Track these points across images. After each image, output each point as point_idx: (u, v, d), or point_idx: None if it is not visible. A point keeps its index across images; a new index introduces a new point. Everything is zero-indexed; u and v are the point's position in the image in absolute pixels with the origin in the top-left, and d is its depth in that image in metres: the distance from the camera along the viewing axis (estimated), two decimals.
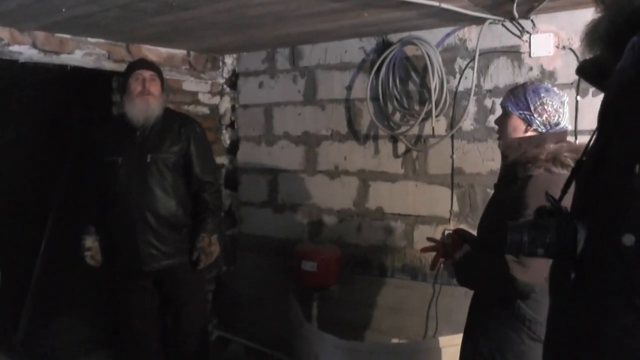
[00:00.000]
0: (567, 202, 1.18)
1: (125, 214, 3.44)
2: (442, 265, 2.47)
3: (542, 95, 2.19)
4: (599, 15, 1.08)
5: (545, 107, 2.17)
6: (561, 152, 2.09)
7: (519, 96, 2.21)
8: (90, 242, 3.56)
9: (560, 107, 2.20)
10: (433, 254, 2.51)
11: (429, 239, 2.58)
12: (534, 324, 2.07)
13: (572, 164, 2.01)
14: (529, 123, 2.20)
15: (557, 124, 2.20)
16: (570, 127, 2.28)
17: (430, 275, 3.71)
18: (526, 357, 2.08)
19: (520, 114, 2.20)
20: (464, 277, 2.31)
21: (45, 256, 5.02)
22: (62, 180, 5.25)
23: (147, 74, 3.46)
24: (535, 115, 2.18)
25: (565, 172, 2.00)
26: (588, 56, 1.13)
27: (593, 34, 1.09)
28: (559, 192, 1.26)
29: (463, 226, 3.59)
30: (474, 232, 2.57)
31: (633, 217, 0.91)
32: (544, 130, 2.19)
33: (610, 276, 0.96)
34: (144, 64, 3.57)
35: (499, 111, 2.41)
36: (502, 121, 2.29)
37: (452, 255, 2.33)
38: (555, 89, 2.25)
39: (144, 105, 3.42)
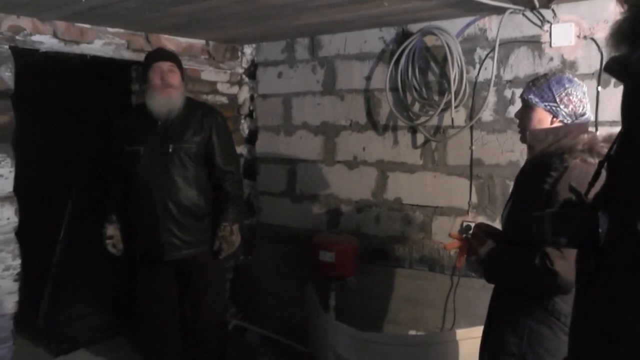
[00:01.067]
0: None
1: (147, 203, 3.46)
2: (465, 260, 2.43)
3: (567, 85, 2.15)
4: (625, 15, 1.09)
5: (571, 97, 2.14)
6: (597, 142, 2.05)
7: (543, 88, 2.17)
8: (112, 230, 3.60)
9: (583, 97, 2.17)
10: (456, 249, 2.47)
11: (452, 236, 2.52)
12: (570, 318, 1.99)
13: None
14: (555, 115, 2.16)
15: (583, 114, 2.17)
16: (592, 117, 2.24)
17: (448, 267, 3.71)
18: (560, 352, 2.01)
19: (546, 105, 2.16)
20: (492, 273, 2.27)
21: (64, 243, 5.08)
22: (82, 168, 5.30)
23: (165, 65, 3.45)
24: (562, 107, 2.14)
25: None
26: (615, 54, 1.14)
27: (619, 34, 1.09)
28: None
29: (481, 218, 3.58)
30: (492, 224, 2.55)
31: None
32: (569, 121, 2.16)
33: (626, 263, 0.97)
34: (161, 55, 3.55)
35: (519, 102, 2.37)
36: (525, 114, 2.24)
37: (476, 250, 2.29)
38: (576, 79, 2.22)
39: (166, 97, 3.41)
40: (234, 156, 3.76)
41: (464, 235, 2.45)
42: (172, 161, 3.43)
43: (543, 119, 2.19)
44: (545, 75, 2.25)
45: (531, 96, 2.20)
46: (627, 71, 1.05)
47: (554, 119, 2.18)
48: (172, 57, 3.56)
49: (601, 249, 1.05)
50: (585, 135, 2.11)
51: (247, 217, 4.80)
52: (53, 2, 3.06)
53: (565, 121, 2.16)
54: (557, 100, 2.15)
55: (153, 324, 3.73)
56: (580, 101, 2.16)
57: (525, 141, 2.29)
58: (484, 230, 2.40)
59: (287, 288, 4.47)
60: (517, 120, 2.33)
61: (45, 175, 5.49)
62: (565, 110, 2.15)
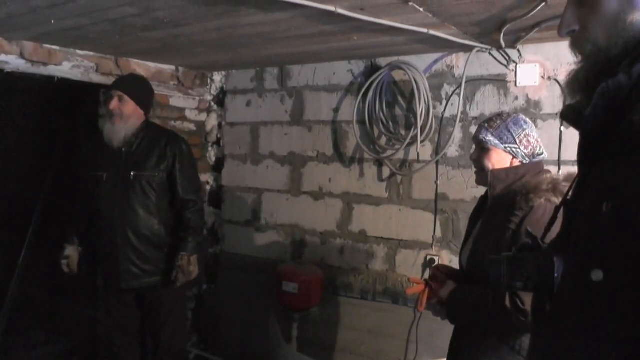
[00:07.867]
0: None
1: (107, 230, 3.41)
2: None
3: (525, 127, 2.20)
4: (580, 65, 1.13)
5: (529, 139, 2.18)
6: (559, 182, 2.07)
7: (501, 129, 2.20)
8: (70, 251, 3.53)
9: (538, 138, 2.22)
10: (418, 293, 2.44)
11: (412, 280, 2.50)
12: None
13: None
14: (514, 155, 2.19)
15: (540, 153, 2.21)
16: (547, 156, 2.28)
17: (411, 300, 3.71)
18: None
19: (506, 147, 2.18)
20: (457, 315, 2.24)
21: (23, 267, 4.97)
22: (45, 191, 5.21)
23: (115, 94, 3.40)
24: (522, 148, 2.18)
25: None
26: (570, 102, 1.17)
27: (574, 83, 1.13)
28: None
29: (445, 252, 3.61)
30: (456, 258, 2.55)
31: (601, 253, 0.94)
32: (527, 161, 2.20)
33: (580, 309, 0.99)
34: (115, 82, 3.52)
35: None
36: (483, 156, 2.25)
37: (437, 293, 2.27)
38: (528, 119, 2.26)
39: (110, 126, 3.38)
40: (196, 185, 3.70)
41: (424, 279, 2.43)
42: (134, 189, 3.39)
43: (502, 161, 2.21)
44: (499, 115, 2.27)
45: (490, 138, 2.21)
46: (581, 123, 1.08)
47: (514, 160, 2.20)
48: (122, 85, 3.47)
49: (556, 294, 1.06)
50: (549, 175, 2.14)
51: (210, 247, 4.75)
52: (21, 23, 3.03)
53: (523, 161, 2.20)
54: (517, 141, 2.18)
55: (113, 352, 3.64)
56: (537, 142, 2.20)
57: (483, 183, 2.29)
58: (443, 272, 2.40)
59: (250, 318, 4.42)
60: (473, 162, 2.34)
61: (7, 196, 5.38)
62: (525, 151, 2.18)
